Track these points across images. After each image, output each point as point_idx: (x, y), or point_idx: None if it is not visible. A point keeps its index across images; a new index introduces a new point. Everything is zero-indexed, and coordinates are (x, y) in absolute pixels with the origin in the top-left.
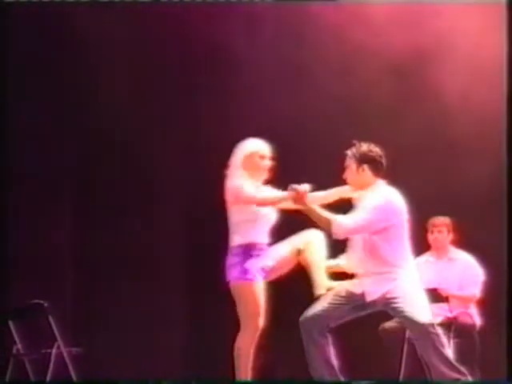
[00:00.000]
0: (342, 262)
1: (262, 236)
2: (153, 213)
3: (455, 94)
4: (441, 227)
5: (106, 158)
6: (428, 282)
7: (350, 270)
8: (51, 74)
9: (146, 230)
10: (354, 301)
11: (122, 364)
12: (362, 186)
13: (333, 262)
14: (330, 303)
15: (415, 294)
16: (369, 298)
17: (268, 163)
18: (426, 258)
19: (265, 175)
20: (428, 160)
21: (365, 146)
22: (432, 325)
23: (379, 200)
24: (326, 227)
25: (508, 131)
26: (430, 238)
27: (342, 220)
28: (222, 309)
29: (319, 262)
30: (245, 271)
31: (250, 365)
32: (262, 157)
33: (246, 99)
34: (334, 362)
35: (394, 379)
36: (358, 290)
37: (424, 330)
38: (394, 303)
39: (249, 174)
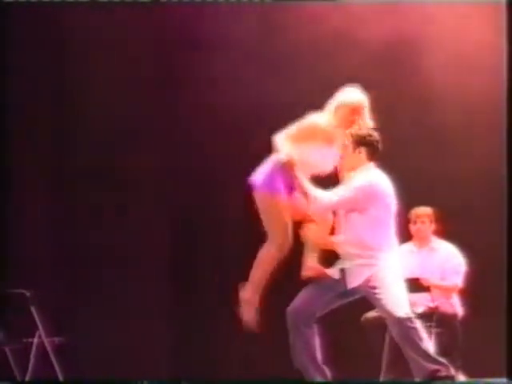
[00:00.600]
0: None
1: None
2: (138, 207)
3: (455, 94)
4: (423, 218)
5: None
6: (410, 272)
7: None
8: (51, 73)
9: (129, 225)
10: (337, 288)
11: (105, 355)
12: (354, 168)
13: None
14: (314, 291)
15: (395, 285)
16: (349, 285)
17: None
18: (407, 247)
19: None
20: (417, 153)
21: (365, 130)
22: (409, 319)
23: (364, 180)
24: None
25: (508, 131)
26: (413, 228)
27: (320, 194)
28: (211, 306)
29: (313, 241)
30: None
31: (266, 277)
32: None
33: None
34: (319, 354)
35: (377, 370)
36: (338, 277)
37: (400, 323)
38: (373, 293)
39: None
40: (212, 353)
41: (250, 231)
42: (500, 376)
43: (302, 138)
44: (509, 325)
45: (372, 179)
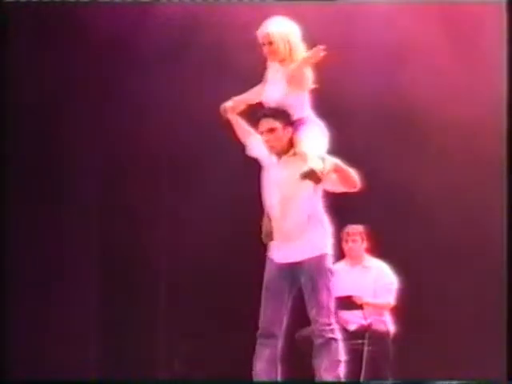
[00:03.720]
0: None
1: None
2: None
3: (455, 93)
4: (355, 236)
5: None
6: (343, 290)
7: None
8: (50, 73)
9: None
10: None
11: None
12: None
13: None
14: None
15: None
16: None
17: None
18: (340, 265)
19: None
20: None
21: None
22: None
23: None
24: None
25: (508, 131)
26: (345, 246)
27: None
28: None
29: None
30: None
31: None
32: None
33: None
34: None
35: None
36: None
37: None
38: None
39: None
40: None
41: None
42: None
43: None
44: (509, 325)
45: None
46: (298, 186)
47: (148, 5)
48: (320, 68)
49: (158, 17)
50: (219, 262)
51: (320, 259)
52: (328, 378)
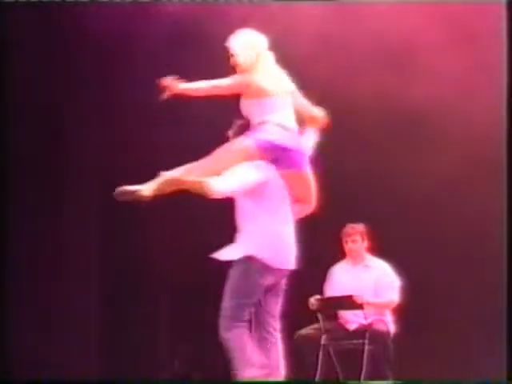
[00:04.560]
0: None
1: None
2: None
3: (455, 93)
4: (355, 236)
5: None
6: (344, 290)
7: None
8: (51, 73)
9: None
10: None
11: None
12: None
13: None
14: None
15: None
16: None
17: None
18: (341, 265)
19: None
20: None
21: None
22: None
23: None
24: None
25: (508, 131)
26: (346, 246)
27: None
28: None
29: None
30: None
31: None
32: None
33: None
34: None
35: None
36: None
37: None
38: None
39: None
40: None
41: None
42: None
43: None
44: (509, 325)
45: None
46: None
47: (148, 5)
48: (319, 68)
49: (157, 16)
50: (220, 262)
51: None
52: None
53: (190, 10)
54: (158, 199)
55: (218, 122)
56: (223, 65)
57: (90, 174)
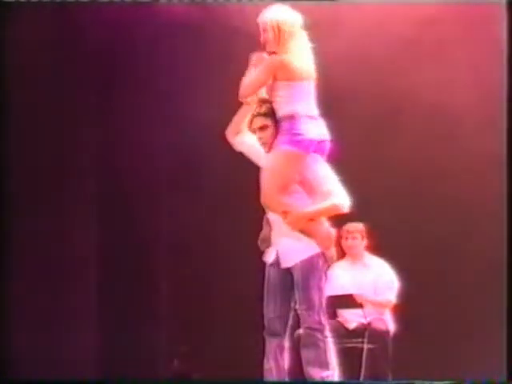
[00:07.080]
0: None
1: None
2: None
3: (455, 93)
4: (355, 233)
5: None
6: (343, 288)
7: None
8: (51, 73)
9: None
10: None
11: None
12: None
13: None
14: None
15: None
16: (284, 264)
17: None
18: (341, 264)
19: None
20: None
21: None
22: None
23: None
24: None
25: (508, 132)
26: (344, 244)
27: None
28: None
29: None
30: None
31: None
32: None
33: None
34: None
35: None
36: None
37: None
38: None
39: None
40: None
41: None
42: None
43: None
44: (509, 325)
45: None
46: None
47: (148, 5)
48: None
49: (157, 16)
50: (220, 261)
51: (312, 258)
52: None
53: (190, 10)
54: (158, 199)
55: (218, 122)
56: (223, 65)
57: (89, 174)
